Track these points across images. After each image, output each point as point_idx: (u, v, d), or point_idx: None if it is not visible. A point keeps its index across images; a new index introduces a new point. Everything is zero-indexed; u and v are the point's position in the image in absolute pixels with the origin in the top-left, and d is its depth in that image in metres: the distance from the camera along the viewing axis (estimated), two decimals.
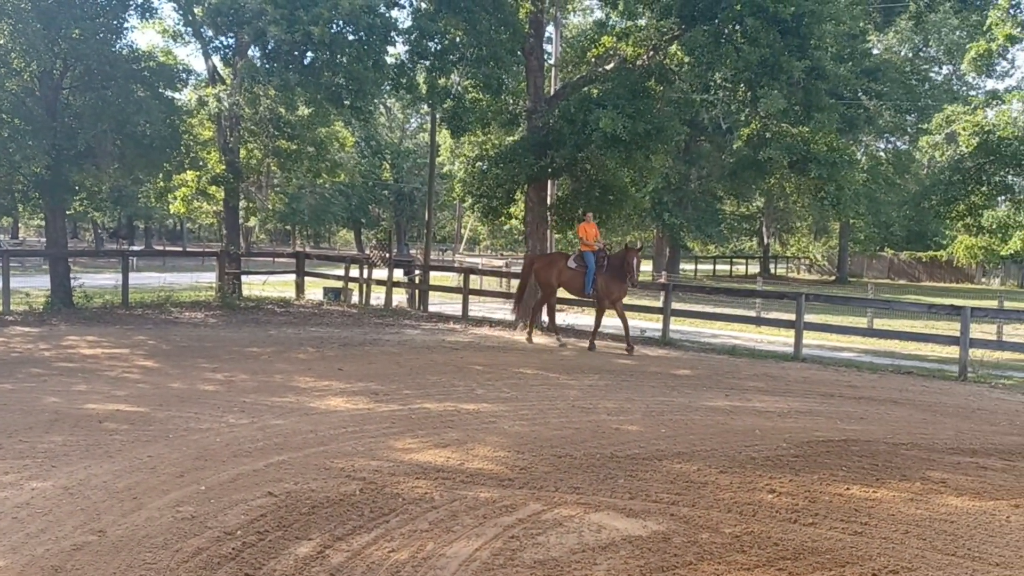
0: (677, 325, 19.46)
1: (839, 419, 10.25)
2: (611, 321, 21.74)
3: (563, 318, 20.30)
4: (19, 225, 58.87)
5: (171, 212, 29.17)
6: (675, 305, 18.62)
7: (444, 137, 27.19)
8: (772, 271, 54.25)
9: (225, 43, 19.99)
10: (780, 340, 18.83)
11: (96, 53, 17.40)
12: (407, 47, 18.12)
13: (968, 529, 6.27)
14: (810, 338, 17.17)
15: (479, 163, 20.30)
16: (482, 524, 5.95)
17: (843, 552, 5.70)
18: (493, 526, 5.92)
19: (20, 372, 11.17)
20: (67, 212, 21.62)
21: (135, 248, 51.21)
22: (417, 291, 23.04)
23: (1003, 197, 29.75)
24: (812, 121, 16.03)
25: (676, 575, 5.18)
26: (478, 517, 6.08)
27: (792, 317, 16.55)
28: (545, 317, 17.67)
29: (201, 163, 22.63)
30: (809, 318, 17.13)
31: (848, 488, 7.21)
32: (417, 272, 23.87)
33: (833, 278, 51.36)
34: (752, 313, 21.74)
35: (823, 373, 14.22)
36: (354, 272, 23.49)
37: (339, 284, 24.09)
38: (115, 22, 18.47)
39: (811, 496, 6.94)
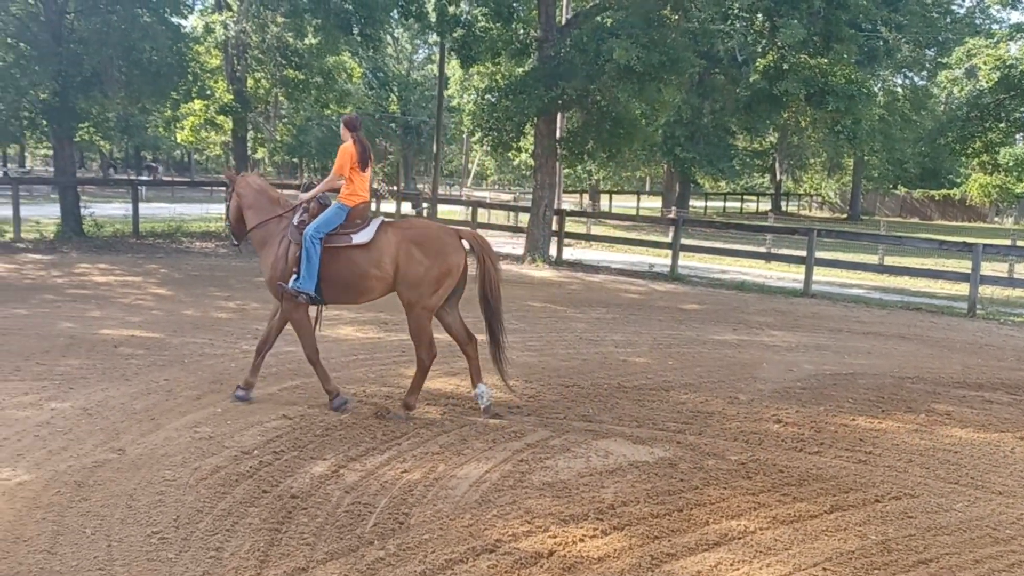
0: (686, 261, 19.44)
1: (846, 353, 10.31)
2: (621, 256, 21.74)
3: (570, 252, 20.29)
4: (26, 154, 58.60)
5: (179, 141, 28.95)
6: (684, 240, 18.56)
7: (453, 68, 26.81)
8: (784, 208, 53.82)
9: None
10: (790, 276, 18.81)
11: None
12: None
13: (972, 459, 6.36)
14: (820, 274, 17.14)
15: (488, 95, 19.99)
16: (491, 448, 6.06)
17: (847, 479, 5.80)
18: (503, 450, 6.03)
19: (34, 298, 11.28)
20: (74, 140, 21.48)
21: (144, 178, 51.05)
22: None
23: (1021, 134, 29.26)
24: (831, 52, 15.68)
25: (683, 499, 5.29)
26: (488, 442, 6.19)
27: (803, 253, 16.50)
28: (553, 252, 17.62)
29: (208, 92, 22.36)
30: (820, 254, 17.08)
31: (853, 419, 7.30)
32: (425, 205, 23.79)
33: (845, 216, 50.97)
34: (762, 249, 21.67)
35: (832, 309, 14.25)
36: None
37: None
38: None
39: (816, 426, 7.03)
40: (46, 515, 4.60)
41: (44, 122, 19.06)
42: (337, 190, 6.90)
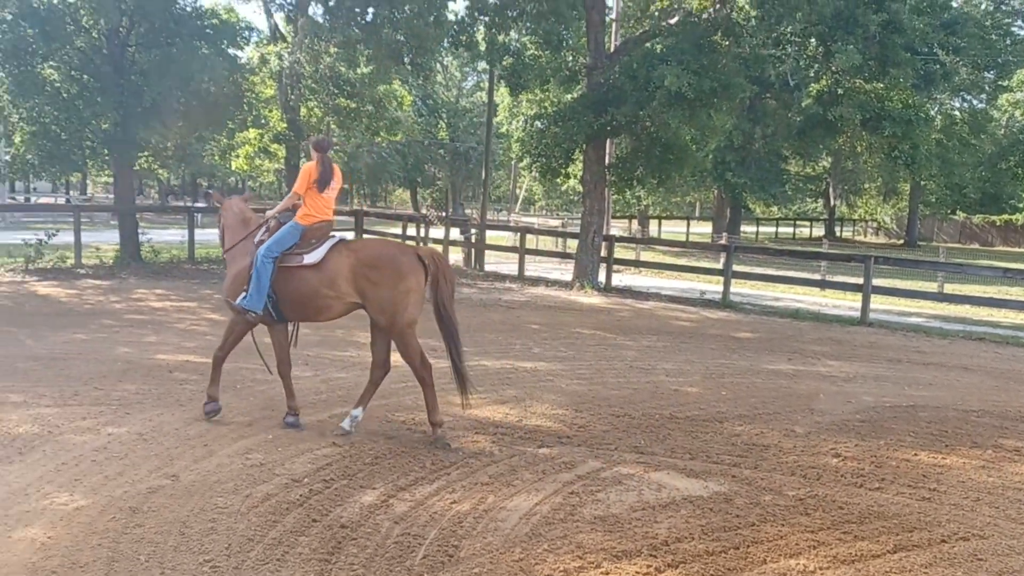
0: (738, 288, 19.14)
1: (907, 384, 9.99)
2: (671, 282, 21.52)
3: (619, 278, 20.15)
4: (87, 181, 60.58)
5: (233, 169, 29.67)
6: (736, 267, 18.29)
7: (502, 95, 27.00)
8: (838, 234, 52.86)
9: (288, 0, 20.03)
10: (845, 304, 18.38)
11: (161, 10, 17.64)
12: (467, 3, 17.93)
13: None
14: (877, 302, 16.71)
15: (537, 121, 20.07)
16: (542, 479, 5.98)
17: (911, 517, 5.57)
18: (553, 482, 5.94)
19: (93, 323, 11.55)
20: (134, 168, 22.13)
21: (200, 205, 52.34)
22: (473, 250, 23.09)
23: None
24: (887, 77, 15.39)
25: (739, 535, 5.13)
26: (537, 472, 6.11)
27: (859, 281, 16.12)
28: (604, 276, 17.52)
29: (263, 121, 22.91)
30: (877, 282, 16.68)
31: (916, 454, 7.04)
32: (473, 231, 23.91)
33: (902, 242, 49.80)
34: (816, 276, 21.25)
35: (890, 338, 13.86)
36: (411, 231, 23.63)
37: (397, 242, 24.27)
38: None
39: (877, 461, 6.79)
40: (102, 541, 4.65)
41: (105, 151, 19.68)
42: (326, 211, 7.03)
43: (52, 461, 5.83)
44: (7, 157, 22.04)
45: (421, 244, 22.69)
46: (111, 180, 24.47)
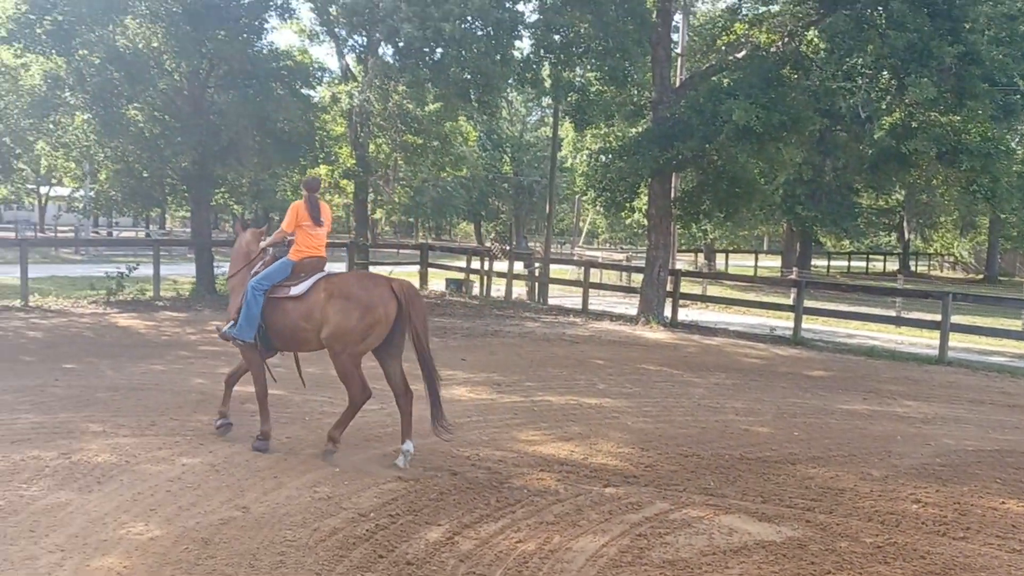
0: (809, 324, 18.68)
1: (990, 428, 9.56)
2: (739, 318, 21.13)
3: (685, 313, 19.88)
4: (166, 216, 63.01)
5: None
6: (807, 303, 17.86)
7: (566, 130, 27.11)
8: (912, 268, 51.25)
9: (358, 41, 20.63)
10: (922, 342, 17.75)
11: (239, 53, 18.32)
12: (532, 41, 18.16)
13: None
14: (956, 340, 16.09)
15: (602, 156, 20.08)
16: (608, 520, 5.88)
17: (999, 570, 5.30)
18: (619, 523, 5.84)
19: (169, 354, 11.91)
20: (210, 204, 22.91)
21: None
22: (537, 284, 23.11)
23: None
24: (964, 109, 14.93)
25: None
26: (604, 513, 6.02)
27: (936, 317, 15.57)
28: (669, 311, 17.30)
29: (333, 158, 23.49)
30: (955, 319, 16.07)
31: (1003, 502, 6.70)
32: (537, 265, 23.95)
33: (981, 277, 47.98)
34: (891, 313, 20.59)
35: (971, 378, 13.30)
36: (475, 264, 23.80)
37: (461, 276, 24.47)
38: (256, 23, 19.39)
39: (961, 509, 6.49)
40: (175, 571, 4.74)
41: (184, 188, 20.43)
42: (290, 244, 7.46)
43: (129, 490, 6.00)
44: (92, 193, 23.08)
45: (486, 277, 22.84)
46: (189, 215, 25.35)
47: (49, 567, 4.72)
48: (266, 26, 20.12)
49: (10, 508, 5.55)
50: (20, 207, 52.14)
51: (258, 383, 7.34)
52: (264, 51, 19.80)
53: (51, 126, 19.50)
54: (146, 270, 19.25)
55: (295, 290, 7.04)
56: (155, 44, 18.42)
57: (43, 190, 48.87)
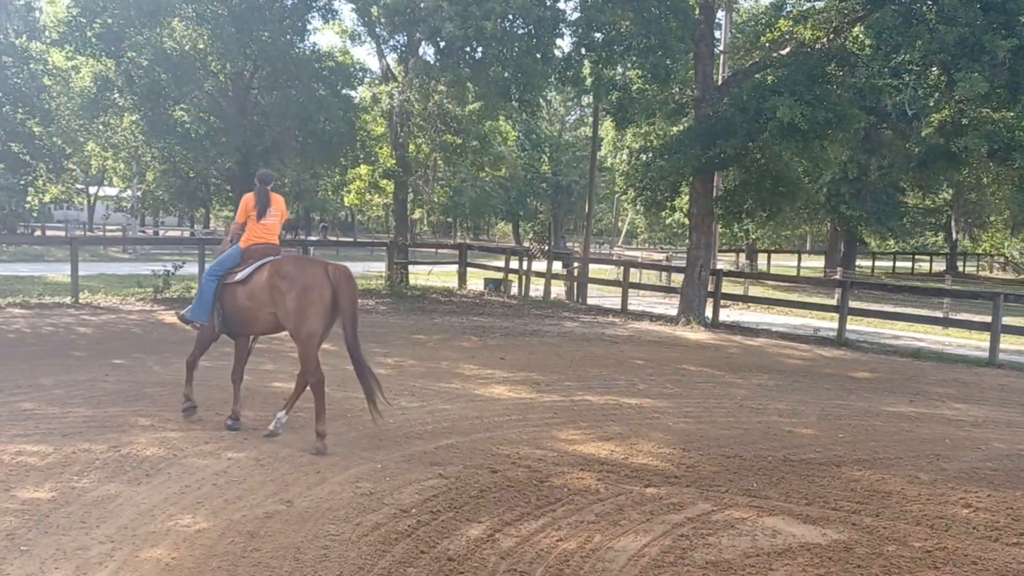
0: (854, 325, 18.36)
1: None
2: (782, 319, 20.85)
3: (726, 314, 19.67)
4: (210, 216, 64.10)
5: (345, 204, 30.73)
6: (852, 303, 17.55)
7: (606, 130, 26.98)
8: (960, 269, 50.11)
9: (399, 41, 20.78)
10: (971, 344, 17.34)
11: (282, 54, 18.62)
12: (573, 39, 18.12)
13: None
14: (1008, 342, 15.69)
15: (643, 155, 19.95)
16: (649, 520, 5.84)
17: None
18: (661, 523, 5.79)
19: (214, 351, 11.95)
20: None
21: (312, 238, 54.49)
22: (575, 283, 23.04)
23: None
24: (1018, 105, 14.53)
25: None
26: (645, 513, 5.97)
27: (987, 319, 15.20)
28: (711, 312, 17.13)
29: (374, 158, 23.69)
30: (1007, 320, 15.67)
31: None
32: (576, 264, 23.88)
33: None
34: (938, 314, 20.15)
35: (1022, 381, 12.95)
36: (514, 264, 23.81)
37: (500, 275, 24.50)
38: (299, 24, 19.68)
39: (1014, 514, 6.33)
40: (222, 563, 4.82)
41: (228, 187, 20.80)
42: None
43: (176, 483, 6.11)
44: (139, 193, 23.58)
45: (525, 277, 22.84)
46: (232, 215, 25.80)
47: (100, 557, 4.83)
48: (309, 27, 20.44)
49: (62, 499, 5.69)
50: (70, 207, 53.50)
51: (194, 355, 7.95)
52: (307, 52, 20.08)
53: (100, 127, 19.98)
54: (191, 268, 19.60)
55: (241, 275, 7.51)
56: (201, 46, 18.76)
57: (92, 190, 50.06)
